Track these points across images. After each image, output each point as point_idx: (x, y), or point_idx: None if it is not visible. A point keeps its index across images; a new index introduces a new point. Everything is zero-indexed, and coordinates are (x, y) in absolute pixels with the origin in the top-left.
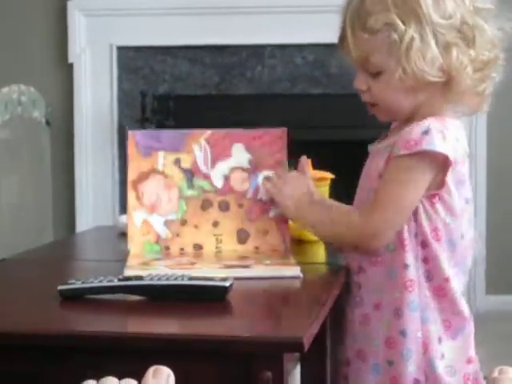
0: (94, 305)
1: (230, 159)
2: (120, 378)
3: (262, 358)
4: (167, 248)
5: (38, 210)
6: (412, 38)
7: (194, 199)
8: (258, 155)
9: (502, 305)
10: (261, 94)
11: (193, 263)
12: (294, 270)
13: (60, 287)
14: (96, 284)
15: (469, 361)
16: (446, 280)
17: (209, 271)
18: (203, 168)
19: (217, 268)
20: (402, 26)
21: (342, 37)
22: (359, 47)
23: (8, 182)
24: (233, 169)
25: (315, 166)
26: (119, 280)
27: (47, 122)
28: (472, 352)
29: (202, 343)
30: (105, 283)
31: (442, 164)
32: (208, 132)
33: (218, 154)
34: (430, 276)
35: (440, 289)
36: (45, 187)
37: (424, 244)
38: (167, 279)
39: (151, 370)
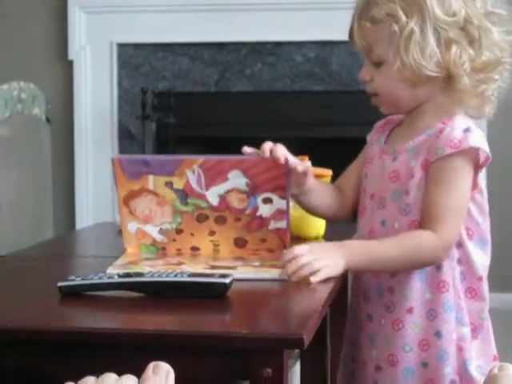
0: (93, 301)
1: (227, 182)
2: (119, 374)
3: (262, 354)
4: (164, 249)
5: (38, 206)
6: (412, 31)
7: (188, 213)
8: (256, 180)
9: (505, 303)
10: (261, 91)
11: (180, 263)
12: (273, 273)
13: (60, 284)
14: (96, 281)
15: (495, 358)
16: (479, 279)
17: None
18: (197, 189)
19: (202, 268)
20: (403, 18)
21: (351, 28)
22: (362, 36)
23: (8, 179)
24: (229, 190)
25: (315, 163)
26: (119, 277)
27: (47, 119)
28: (495, 350)
29: (202, 340)
30: (104, 280)
31: (476, 163)
32: (201, 159)
33: (213, 179)
34: (463, 277)
35: (471, 290)
36: (45, 184)
37: (458, 244)
38: (167, 276)
39: (151, 366)
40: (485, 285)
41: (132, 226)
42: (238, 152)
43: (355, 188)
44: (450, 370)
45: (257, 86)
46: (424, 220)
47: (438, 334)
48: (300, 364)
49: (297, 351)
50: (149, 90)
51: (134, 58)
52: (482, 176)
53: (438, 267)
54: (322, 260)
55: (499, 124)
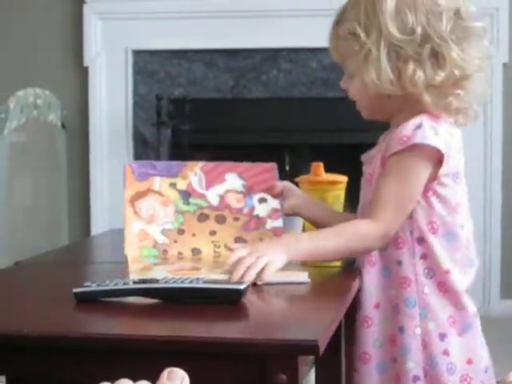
0: (108, 307)
1: (225, 183)
2: (135, 379)
3: (277, 360)
4: (165, 252)
5: (54, 212)
6: (369, 50)
7: (190, 213)
8: (252, 181)
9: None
10: (276, 97)
11: (197, 268)
12: (301, 277)
13: (75, 290)
14: (111, 287)
15: (468, 361)
16: (447, 272)
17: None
18: (198, 189)
19: (219, 273)
20: (363, 37)
21: (329, 39)
22: (334, 51)
23: (24, 185)
24: (227, 191)
25: (331, 170)
26: (134, 283)
27: (63, 125)
28: (472, 354)
29: (217, 346)
30: (120, 286)
31: (435, 158)
32: (202, 163)
33: (212, 180)
34: (430, 273)
35: (442, 284)
36: (60, 190)
37: (421, 240)
38: (182, 282)
39: (166, 372)
40: (455, 277)
41: (135, 227)
42: (253, 159)
43: None
44: (412, 365)
45: (272, 93)
46: (368, 209)
47: (401, 330)
48: (315, 370)
49: (312, 357)
50: (164, 97)
51: (150, 65)
52: (452, 169)
53: (399, 263)
54: (265, 257)
55: None
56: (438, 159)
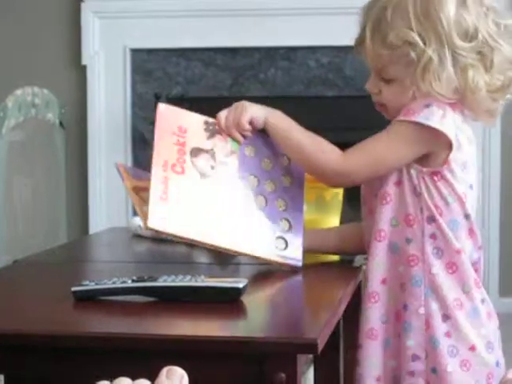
0: (107, 306)
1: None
2: (134, 378)
3: (276, 359)
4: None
5: (52, 211)
6: (430, 59)
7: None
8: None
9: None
10: (274, 96)
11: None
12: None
13: (74, 288)
14: (109, 285)
15: (472, 348)
16: (458, 252)
17: None
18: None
19: None
20: (421, 45)
21: (360, 42)
22: (377, 58)
23: (22, 184)
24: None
25: None
26: (133, 281)
27: (61, 124)
28: (477, 341)
29: (216, 344)
30: (118, 285)
31: (444, 142)
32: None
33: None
34: (440, 253)
35: (451, 265)
36: (59, 188)
37: (431, 219)
38: (181, 280)
39: (165, 370)
40: (467, 259)
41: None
42: None
43: None
44: (412, 343)
45: (270, 91)
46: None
47: (405, 307)
48: (314, 369)
49: (310, 356)
50: (162, 95)
51: (148, 64)
52: (461, 157)
53: (408, 241)
54: (248, 108)
55: None
56: (447, 144)
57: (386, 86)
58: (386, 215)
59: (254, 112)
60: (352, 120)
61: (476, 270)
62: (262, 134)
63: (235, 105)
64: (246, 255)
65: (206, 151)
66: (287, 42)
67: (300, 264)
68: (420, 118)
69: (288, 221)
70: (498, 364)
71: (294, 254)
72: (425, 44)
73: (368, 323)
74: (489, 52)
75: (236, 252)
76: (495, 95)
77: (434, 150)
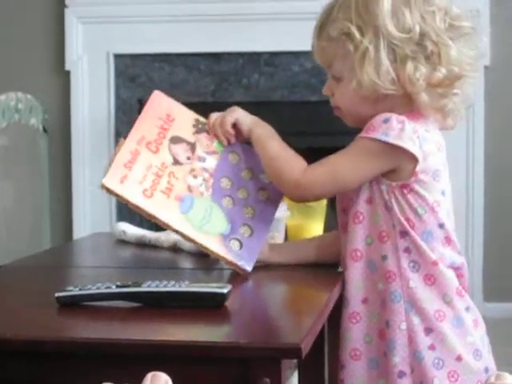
0: (91, 312)
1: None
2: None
3: (260, 364)
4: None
5: (35, 216)
6: (366, 49)
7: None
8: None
9: (500, 312)
10: (258, 101)
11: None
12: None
13: (57, 294)
14: (93, 291)
15: (458, 358)
16: (434, 264)
17: None
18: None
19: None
20: (357, 37)
21: (312, 43)
22: (321, 53)
23: (5, 189)
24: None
25: None
26: (117, 287)
27: (44, 129)
28: (463, 351)
29: (200, 349)
30: (102, 290)
31: (406, 156)
32: None
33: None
34: (416, 266)
35: (429, 277)
36: (42, 194)
37: (403, 233)
38: (165, 286)
39: (149, 376)
40: (445, 269)
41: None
42: None
43: None
44: (398, 360)
45: (254, 97)
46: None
47: (387, 324)
48: (298, 374)
49: (295, 361)
50: (146, 101)
51: (131, 69)
52: (431, 167)
53: (384, 257)
54: (236, 111)
55: (497, 126)
56: (408, 156)
57: (337, 86)
58: (360, 234)
59: (240, 116)
60: (336, 125)
61: (461, 276)
62: (250, 148)
63: (229, 108)
64: (194, 242)
65: (187, 143)
66: (270, 47)
67: (249, 269)
68: (379, 134)
69: (251, 228)
70: (486, 370)
71: (246, 256)
72: (362, 36)
73: (351, 343)
74: (431, 45)
75: (186, 236)
76: (439, 90)
77: (397, 164)
